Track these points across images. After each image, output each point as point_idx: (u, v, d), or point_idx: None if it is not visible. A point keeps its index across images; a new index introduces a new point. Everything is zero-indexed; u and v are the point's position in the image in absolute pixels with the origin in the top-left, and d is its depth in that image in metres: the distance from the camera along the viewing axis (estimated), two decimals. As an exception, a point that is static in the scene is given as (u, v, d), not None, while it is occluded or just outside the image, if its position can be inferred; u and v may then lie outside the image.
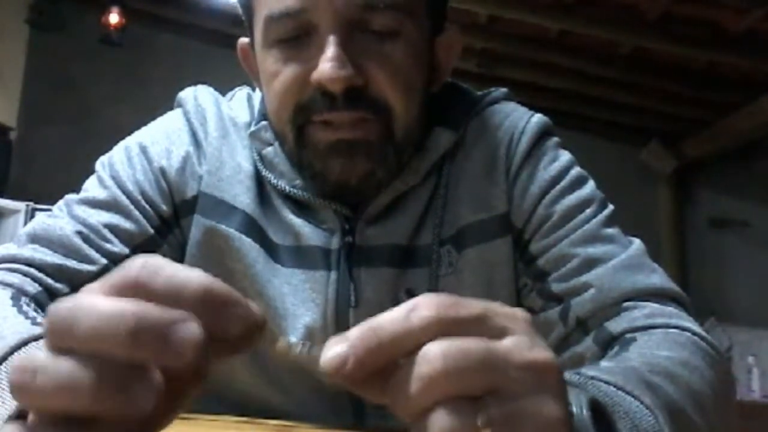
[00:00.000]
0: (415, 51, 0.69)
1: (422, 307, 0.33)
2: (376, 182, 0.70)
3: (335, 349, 0.32)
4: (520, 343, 0.33)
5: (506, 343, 0.33)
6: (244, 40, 0.77)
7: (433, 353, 0.31)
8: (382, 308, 0.72)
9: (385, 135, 0.68)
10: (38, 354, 0.31)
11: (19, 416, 0.38)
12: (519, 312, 0.35)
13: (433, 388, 0.31)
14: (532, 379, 0.32)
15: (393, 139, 0.69)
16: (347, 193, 0.71)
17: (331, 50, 0.64)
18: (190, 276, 0.32)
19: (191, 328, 0.30)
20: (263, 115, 0.77)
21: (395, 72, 0.67)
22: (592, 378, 0.46)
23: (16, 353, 0.44)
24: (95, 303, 0.31)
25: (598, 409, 0.39)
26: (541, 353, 0.33)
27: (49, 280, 0.66)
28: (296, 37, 0.67)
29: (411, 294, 0.72)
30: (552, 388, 0.33)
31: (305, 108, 0.67)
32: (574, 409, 0.37)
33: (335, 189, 0.70)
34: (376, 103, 0.67)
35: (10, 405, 0.39)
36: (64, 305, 0.31)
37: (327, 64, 0.64)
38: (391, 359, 0.33)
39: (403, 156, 0.71)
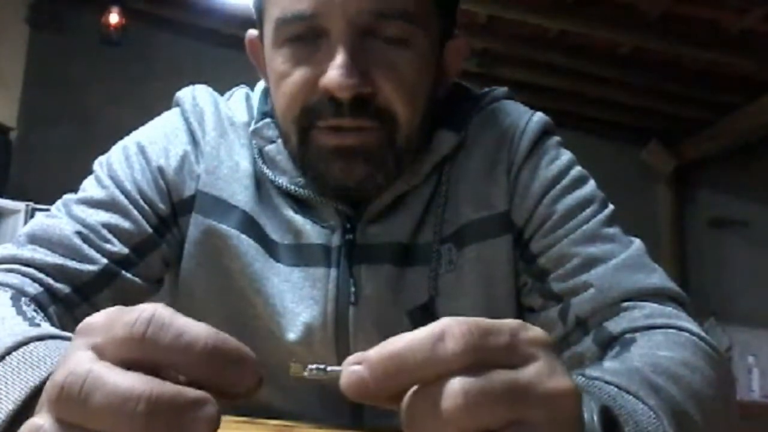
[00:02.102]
0: (424, 60, 0.69)
1: (449, 338, 0.32)
2: (375, 186, 0.71)
3: (356, 371, 0.32)
4: (541, 371, 0.33)
5: (529, 372, 0.33)
6: (252, 32, 0.77)
7: (456, 391, 0.31)
8: (382, 306, 0.72)
9: (387, 142, 0.68)
10: (45, 427, 0.31)
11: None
12: (541, 335, 0.35)
13: (451, 423, 0.31)
14: (551, 410, 0.32)
15: (394, 147, 0.69)
16: (347, 194, 0.71)
17: (340, 58, 0.64)
18: (198, 333, 0.32)
19: (208, 412, 0.30)
20: (263, 114, 0.77)
21: (402, 82, 0.67)
22: (597, 379, 0.45)
23: (10, 356, 0.43)
24: (109, 377, 0.30)
25: (606, 414, 0.39)
26: (561, 381, 0.33)
27: (50, 281, 0.66)
28: (307, 37, 0.67)
29: (413, 316, 0.72)
30: (569, 417, 0.33)
31: (312, 112, 0.68)
32: (585, 415, 0.37)
33: (335, 190, 0.71)
34: (381, 113, 0.67)
35: None
36: (74, 373, 0.30)
37: (336, 71, 0.64)
38: (411, 385, 0.32)
39: (403, 161, 0.71)
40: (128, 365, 0.31)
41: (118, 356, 0.32)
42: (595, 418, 0.37)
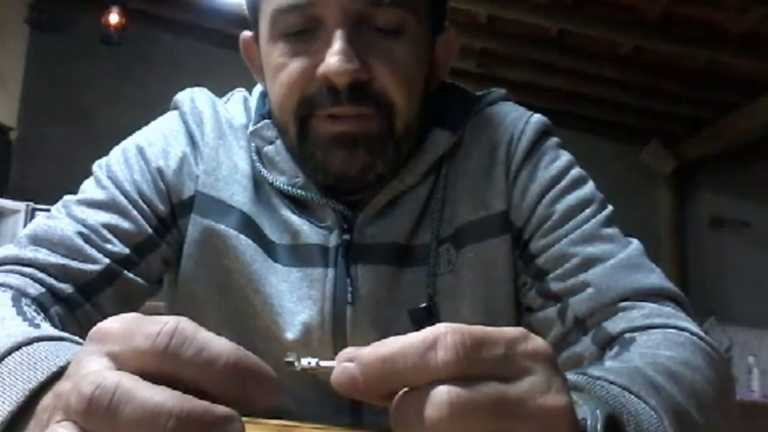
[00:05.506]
0: (418, 48, 0.70)
1: (441, 346, 0.32)
2: (375, 175, 0.71)
3: (348, 369, 0.32)
4: (535, 386, 0.33)
5: (522, 386, 0.32)
6: (246, 33, 0.78)
7: (442, 400, 0.31)
8: (379, 305, 0.72)
9: (386, 129, 0.69)
10: None
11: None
12: (542, 348, 0.34)
13: (435, 431, 0.31)
14: (541, 427, 0.32)
15: (393, 134, 0.70)
16: (347, 184, 0.72)
17: (337, 44, 0.65)
18: (220, 348, 0.32)
19: (234, 429, 0.30)
20: (261, 116, 0.77)
21: (398, 69, 0.68)
22: (599, 378, 0.45)
23: (9, 357, 0.43)
24: (138, 391, 0.30)
25: (609, 417, 0.39)
26: (556, 399, 0.33)
27: (52, 281, 0.66)
28: (303, 31, 0.68)
29: (414, 316, 0.71)
30: None
31: (310, 102, 0.68)
32: (589, 422, 0.37)
33: (336, 180, 0.71)
34: (378, 99, 0.68)
35: None
36: (103, 386, 0.30)
37: (334, 57, 0.65)
38: (401, 387, 0.32)
39: (402, 150, 0.72)
40: (145, 376, 0.31)
41: (137, 367, 0.31)
42: (599, 426, 0.36)
